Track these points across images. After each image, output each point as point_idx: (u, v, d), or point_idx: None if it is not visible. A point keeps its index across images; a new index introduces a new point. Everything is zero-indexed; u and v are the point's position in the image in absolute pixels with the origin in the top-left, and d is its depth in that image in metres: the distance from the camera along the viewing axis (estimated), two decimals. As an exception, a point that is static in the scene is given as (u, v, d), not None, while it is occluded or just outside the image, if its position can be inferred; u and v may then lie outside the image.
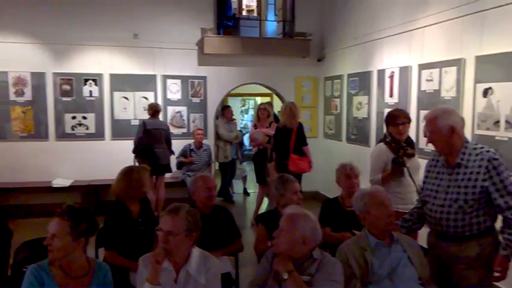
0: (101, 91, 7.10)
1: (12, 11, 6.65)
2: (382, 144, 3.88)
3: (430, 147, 2.82)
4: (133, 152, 6.40)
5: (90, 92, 7.07)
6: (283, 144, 5.77)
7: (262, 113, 6.69)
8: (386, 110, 5.67)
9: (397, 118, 3.79)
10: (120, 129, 7.18)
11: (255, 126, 6.76)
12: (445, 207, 2.62)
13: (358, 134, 6.59)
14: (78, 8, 6.86)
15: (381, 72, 5.92)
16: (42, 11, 6.75)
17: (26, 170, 6.87)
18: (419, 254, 2.61)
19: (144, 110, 6.83)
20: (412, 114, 5.09)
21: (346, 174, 3.56)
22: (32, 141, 6.91)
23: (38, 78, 6.85)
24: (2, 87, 6.72)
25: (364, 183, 3.69)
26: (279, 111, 9.17)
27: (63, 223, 2.18)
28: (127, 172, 3.43)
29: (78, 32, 6.90)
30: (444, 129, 2.58)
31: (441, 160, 2.73)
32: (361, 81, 6.47)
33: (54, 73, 6.91)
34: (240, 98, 13.37)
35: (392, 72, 5.63)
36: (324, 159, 7.36)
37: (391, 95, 5.69)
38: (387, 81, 5.76)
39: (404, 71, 5.36)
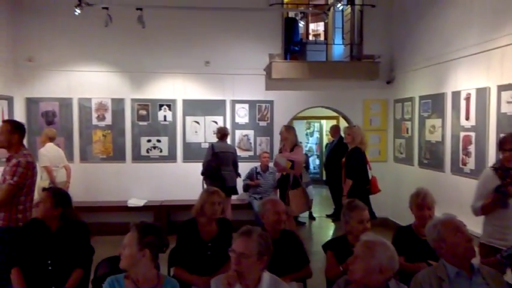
0: (174, 116, 7.47)
1: (95, 43, 7.24)
2: (489, 169, 3.55)
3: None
4: (202, 174, 6.59)
5: (165, 116, 7.46)
6: (364, 169, 5.63)
7: (281, 136, 6.25)
8: (462, 134, 5.45)
9: (504, 144, 3.45)
10: (191, 152, 7.47)
11: (279, 151, 6.33)
12: None
13: (431, 158, 6.31)
14: (155, 39, 7.31)
15: (456, 94, 5.66)
16: (123, 42, 7.29)
17: (105, 190, 7.33)
18: (503, 287, 2.42)
19: (214, 133, 7.06)
20: (491, 138, 4.80)
21: (418, 205, 3.37)
22: (110, 162, 7.37)
23: (118, 103, 7.36)
24: (86, 112, 7.30)
25: (439, 213, 3.46)
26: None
27: (133, 234, 2.41)
28: (202, 192, 3.56)
29: (155, 60, 7.37)
30: None
31: None
32: (434, 104, 6.22)
33: (132, 99, 7.40)
34: (305, 121, 13.38)
35: (469, 94, 5.37)
36: (393, 184, 7.10)
37: (467, 118, 5.41)
38: (463, 103, 5.49)
39: (482, 92, 5.09)
